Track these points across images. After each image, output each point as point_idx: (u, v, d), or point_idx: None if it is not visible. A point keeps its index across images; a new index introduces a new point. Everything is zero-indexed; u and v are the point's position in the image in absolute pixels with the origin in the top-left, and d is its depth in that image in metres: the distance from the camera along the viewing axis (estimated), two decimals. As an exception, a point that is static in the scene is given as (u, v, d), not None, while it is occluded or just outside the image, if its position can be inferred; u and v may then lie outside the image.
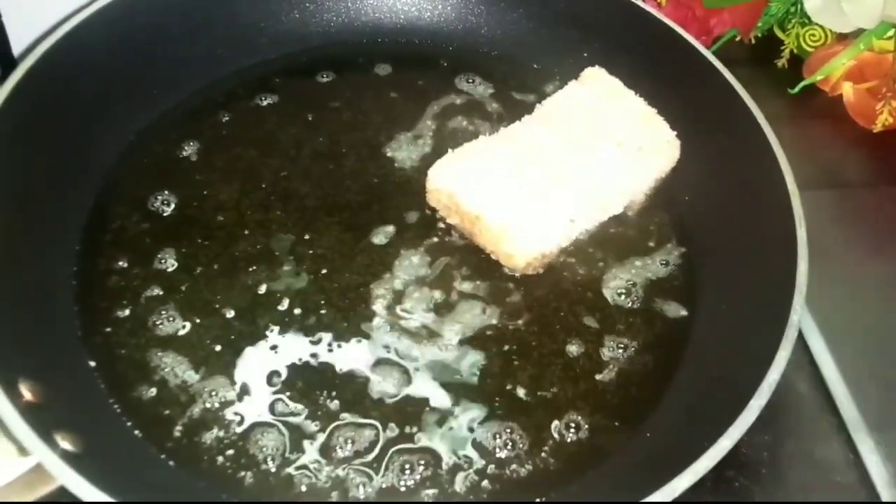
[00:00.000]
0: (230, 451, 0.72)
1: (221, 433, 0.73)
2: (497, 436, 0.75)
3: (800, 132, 1.10)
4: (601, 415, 0.77)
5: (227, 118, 0.98)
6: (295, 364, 0.78)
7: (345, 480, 0.72)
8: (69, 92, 0.88)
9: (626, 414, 0.77)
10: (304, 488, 0.71)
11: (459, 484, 0.72)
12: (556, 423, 0.76)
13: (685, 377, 0.79)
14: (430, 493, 0.72)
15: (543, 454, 0.74)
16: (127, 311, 0.80)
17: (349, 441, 0.74)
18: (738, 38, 1.18)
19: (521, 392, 0.78)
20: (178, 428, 0.73)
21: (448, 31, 1.09)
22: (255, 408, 0.75)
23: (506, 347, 0.81)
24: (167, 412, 0.74)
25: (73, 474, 0.59)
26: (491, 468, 0.73)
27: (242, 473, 0.71)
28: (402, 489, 0.72)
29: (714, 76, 0.93)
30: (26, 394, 0.65)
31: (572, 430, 0.76)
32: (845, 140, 1.12)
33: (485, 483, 0.73)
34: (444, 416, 0.76)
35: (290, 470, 0.72)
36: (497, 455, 0.74)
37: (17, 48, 0.99)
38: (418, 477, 0.72)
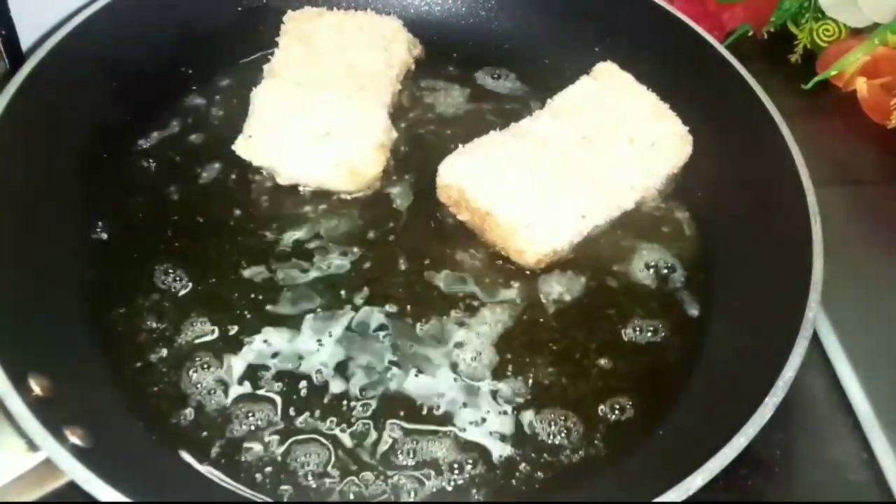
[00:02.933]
0: (269, 469, 0.71)
1: (230, 435, 0.73)
2: (505, 434, 0.75)
3: (813, 128, 1.09)
4: (613, 415, 0.76)
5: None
6: (325, 367, 0.78)
7: (397, 486, 0.71)
8: (77, 87, 0.88)
9: (639, 415, 0.77)
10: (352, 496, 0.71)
11: (468, 478, 0.72)
12: (569, 422, 0.76)
13: (699, 375, 0.78)
14: (449, 489, 0.71)
15: (557, 454, 0.74)
16: (138, 309, 0.80)
17: (402, 448, 0.73)
18: (750, 33, 1.17)
19: (531, 390, 0.77)
20: (214, 443, 0.73)
21: (458, 25, 1.08)
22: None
23: (518, 343, 0.80)
24: (175, 408, 0.74)
25: (82, 469, 0.59)
26: (502, 467, 0.73)
27: (283, 487, 0.71)
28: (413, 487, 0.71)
29: (728, 71, 0.92)
30: (36, 388, 0.64)
31: (584, 431, 0.75)
32: (859, 136, 1.11)
33: (497, 480, 0.72)
34: (463, 413, 0.75)
35: (339, 480, 0.71)
36: (510, 454, 0.74)
37: (25, 43, 0.99)
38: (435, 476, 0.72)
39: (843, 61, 1.12)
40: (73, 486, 0.60)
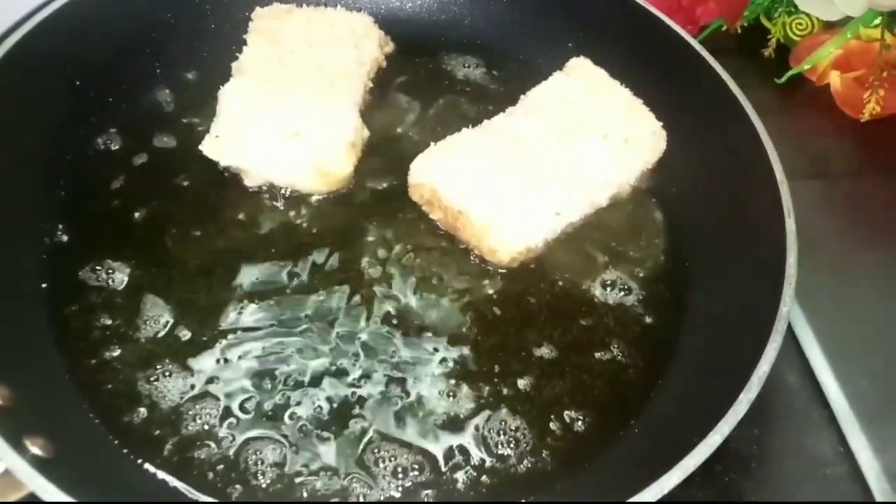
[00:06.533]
0: (221, 466, 0.70)
1: (211, 447, 0.71)
2: (484, 435, 0.74)
3: (787, 122, 1.09)
4: (589, 411, 0.76)
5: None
6: (284, 367, 0.77)
7: (346, 489, 0.70)
8: (39, 86, 0.86)
9: (615, 410, 0.76)
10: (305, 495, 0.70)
11: (450, 481, 0.71)
12: (543, 421, 0.75)
13: (674, 372, 0.78)
14: (426, 492, 0.71)
15: (530, 453, 0.73)
16: (95, 310, 0.78)
17: (381, 454, 0.72)
18: (724, 28, 1.17)
19: (505, 389, 0.76)
20: (167, 441, 0.71)
21: (430, 21, 1.07)
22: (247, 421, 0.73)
23: (489, 344, 0.79)
24: (129, 406, 0.73)
25: (43, 481, 0.58)
26: (474, 468, 0.72)
27: (232, 488, 0.69)
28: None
29: (701, 66, 0.92)
30: (-6, 397, 0.63)
31: (559, 429, 0.75)
32: (833, 130, 1.11)
33: (471, 481, 0.71)
34: (428, 414, 0.74)
35: (292, 479, 0.70)
36: (484, 455, 0.73)
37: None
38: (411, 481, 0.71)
39: (816, 55, 1.12)
40: (35, 497, 0.58)
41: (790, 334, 0.88)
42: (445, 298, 0.82)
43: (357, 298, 0.81)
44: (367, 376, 0.76)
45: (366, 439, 0.72)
